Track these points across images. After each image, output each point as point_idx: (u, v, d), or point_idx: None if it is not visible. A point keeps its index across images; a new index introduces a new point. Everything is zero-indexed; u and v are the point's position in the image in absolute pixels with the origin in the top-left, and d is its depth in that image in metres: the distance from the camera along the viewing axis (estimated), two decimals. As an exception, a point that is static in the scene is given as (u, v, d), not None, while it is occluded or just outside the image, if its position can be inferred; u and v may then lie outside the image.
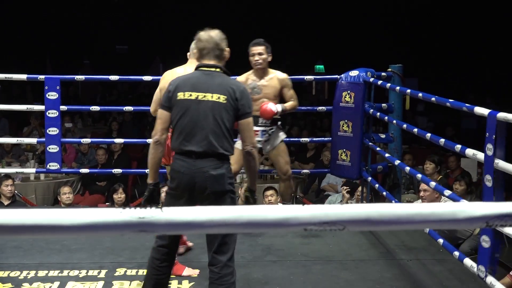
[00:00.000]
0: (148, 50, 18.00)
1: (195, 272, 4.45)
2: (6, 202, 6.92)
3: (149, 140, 6.71)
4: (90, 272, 4.43)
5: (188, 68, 4.27)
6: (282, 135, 5.46)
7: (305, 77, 6.62)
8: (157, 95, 4.49)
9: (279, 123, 5.46)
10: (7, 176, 7.00)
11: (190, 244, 4.88)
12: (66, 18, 17.46)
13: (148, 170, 3.59)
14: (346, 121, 6.09)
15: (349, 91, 6.06)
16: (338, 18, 17.85)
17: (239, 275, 4.44)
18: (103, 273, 4.45)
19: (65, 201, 7.11)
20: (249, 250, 4.99)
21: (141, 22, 17.46)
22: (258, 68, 5.27)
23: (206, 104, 3.37)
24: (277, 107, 5.21)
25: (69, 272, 4.44)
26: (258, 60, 5.24)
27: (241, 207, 1.28)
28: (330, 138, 6.43)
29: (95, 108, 6.87)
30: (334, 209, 1.25)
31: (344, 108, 6.09)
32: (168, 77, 4.20)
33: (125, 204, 7.29)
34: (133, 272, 4.47)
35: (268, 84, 5.31)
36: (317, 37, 18.29)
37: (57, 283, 4.24)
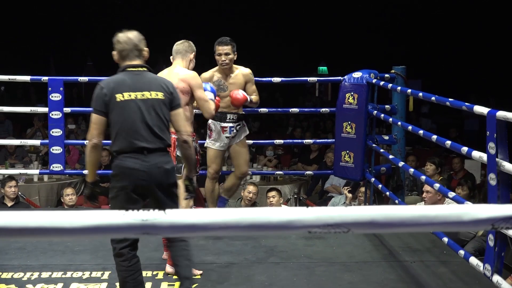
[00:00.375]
0: (151, 51, 17.97)
1: (197, 272, 4.45)
2: (9, 204, 6.93)
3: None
4: (94, 274, 4.42)
5: (172, 68, 4.46)
6: (246, 131, 5.53)
7: (308, 78, 6.61)
8: None
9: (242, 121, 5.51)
10: (11, 177, 7.01)
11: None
12: (69, 19, 17.49)
13: (87, 171, 3.71)
14: (349, 122, 6.08)
15: (352, 93, 6.05)
16: (341, 19, 17.85)
17: (242, 276, 4.44)
18: (106, 274, 4.45)
19: (68, 203, 7.11)
20: (252, 251, 4.99)
21: (144, 23, 17.48)
22: (225, 68, 5.27)
23: (147, 102, 3.54)
24: (247, 95, 5.24)
25: (72, 273, 4.44)
26: (225, 60, 5.26)
27: (245, 209, 1.28)
28: (334, 140, 6.42)
29: (99, 109, 6.85)
30: (339, 212, 1.24)
31: (347, 109, 6.08)
32: None
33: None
34: (136, 273, 4.46)
35: (234, 82, 5.36)
36: (320, 39, 18.28)
37: (60, 285, 4.23)
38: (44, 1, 17.19)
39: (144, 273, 4.44)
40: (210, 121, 5.35)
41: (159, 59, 5.68)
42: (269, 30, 18.31)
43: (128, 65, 3.62)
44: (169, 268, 4.44)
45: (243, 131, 5.49)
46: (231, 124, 5.33)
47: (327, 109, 6.65)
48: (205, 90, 4.61)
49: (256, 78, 6.34)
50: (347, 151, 6.13)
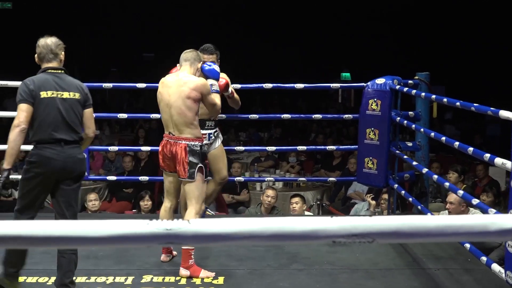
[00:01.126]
0: (175, 58, 18.06)
1: (211, 275, 4.52)
2: None
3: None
4: (117, 279, 4.45)
5: (180, 74, 4.62)
6: (221, 137, 5.60)
7: (331, 85, 6.60)
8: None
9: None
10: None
11: (174, 252, 4.92)
12: (93, 26, 17.63)
13: (8, 156, 3.97)
14: (372, 129, 6.06)
15: (375, 99, 6.03)
16: (364, 25, 17.81)
17: (265, 283, 4.44)
18: (130, 279, 4.47)
19: (91, 208, 7.15)
20: (275, 258, 4.98)
21: (167, 30, 17.57)
22: None
23: (66, 101, 4.04)
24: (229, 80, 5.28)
25: (96, 278, 4.47)
26: None
27: (270, 218, 1.28)
28: (357, 146, 6.40)
29: (123, 115, 6.88)
30: (363, 221, 1.24)
31: (370, 116, 6.06)
32: (159, 84, 4.72)
33: (152, 211, 7.32)
34: (160, 279, 4.48)
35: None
36: (343, 45, 18.25)
37: (84, 290, 4.26)
38: (67, 9, 17.36)
39: (167, 279, 4.47)
40: None
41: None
42: (292, 37, 18.32)
43: (49, 67, 4.09)
44: (183, 271, 4.51)
45: (218, 137, 5.54)
46: (209, 131, 5.35)
47: (350, 115, 6.63)
48: (210, 71, 4.79)
49: (279, 85, 6.36)
50: (370, 158, 6.11)
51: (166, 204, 4.81)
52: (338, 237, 1.23)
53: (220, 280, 4.49)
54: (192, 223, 1.25)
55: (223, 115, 6.52)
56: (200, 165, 4.52)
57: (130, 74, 15.83)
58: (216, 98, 4.72)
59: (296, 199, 6.89)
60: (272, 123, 13.91)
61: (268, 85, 6.27)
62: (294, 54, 18.37)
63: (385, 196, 6.71)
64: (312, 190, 8.97)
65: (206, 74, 4.82)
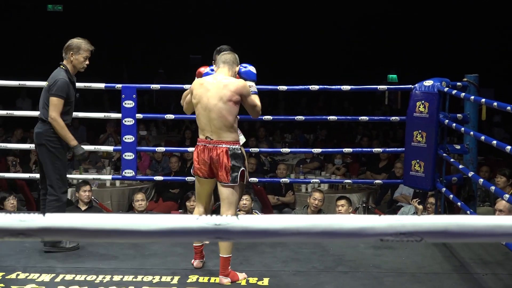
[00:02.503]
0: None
1: (245, 276, 4.53)
2: (83, 207, 7.10)
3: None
4: (164, 278, 4.49)
5: (218, 76, 4.53)
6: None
7: (378, 86, 6.56)
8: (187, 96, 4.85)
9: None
10: (85, 182, 7.19)
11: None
12: (141, 29, 17.84)
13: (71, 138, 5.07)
14: (420, 131, 6.00)
15: (423, 101, 5.97)
16: (412, 27, 17.63)
17: (310, 285, 4.43)
18: (175, 279, 4.51)
19: (138, 208, 7.24)
20: (320, 260, 4.97)
21: (214, 32, 17.67)
22: None
23: (44, 89, 5.16)
24: None
25: (143, 277, 4.52)
26: None
27: (318, 216, 1.28)
28: (403, 149, 6.35)
29: (170, 116, 6.94)
30: (412, 220, 1.23)
31: (418, 118, 6.01)
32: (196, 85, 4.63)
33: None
34: (205, 279, 4.51)
35: None
36: (391, 47, 18.10)
37: (131, 288, 4.32)
38: (116, 11, 17.60)
39: (212, 279, 4.50)
40: None
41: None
42: (339, 38, 18.26)
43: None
44: (224, 280, 4.45)
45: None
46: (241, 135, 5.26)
47: (397, 117, 6.58)
48: (247, 73, 4.68)
49: (326, 86, 6.35)
50: (417, 160, 6.05)
51: (200, 209, 4.70)
52: (386, 236, 1.23)
53: (265, 281, 4.49)
54: (241, 218, 1.26)
55: (270, 117, 6.55)
56: (242, 168, 4.45)
57: (177, 75, 15.98)
58: (256, 99, 4.58)
59: (342, 202, 6.87)
60: (318, 125, 13.87)
61: (315, 87, 6.27)
62: (341, 56, 18.30)
63: (432, 199, 6.64)
64: (357, 193, 8.92)
65: (243, 76, 4.68)
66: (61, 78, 5.04)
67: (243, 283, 4.46)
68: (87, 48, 5.12)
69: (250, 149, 7.43)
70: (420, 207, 7.08)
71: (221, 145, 4.42)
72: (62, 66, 5.12)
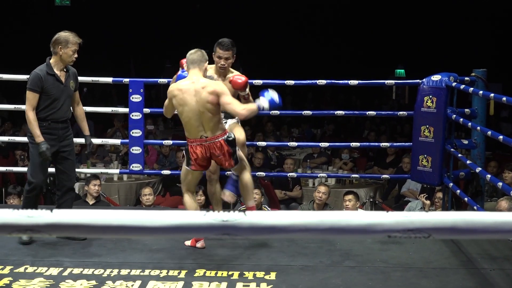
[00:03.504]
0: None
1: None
2: (91, 202, 7.12)
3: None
4: (171, 272, 4.50)
5: (193, 77, 4.74)
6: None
7: (386, 81, 6.55)
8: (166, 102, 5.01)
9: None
10: (96, 176, 7.21)
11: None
12: (148, 23, 17.84)
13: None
14: (427, 126, 5.99)
15: (431, 96, 5.96)
16: (419, 21, 17.58)
17: (317, 279, 4.44)
18: (183, 273, 4.51)
19: (146, 203, 7.25)
20: (327, 254, 4.97)
21: (221, 27, 17.67)
22: (221, 71, 5.17)
23: None
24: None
25: (150, 271, 4.52)
26: (224, 64, 5.12)
27: (325, 212, 1.28)
28: (411, 143, 6.34)
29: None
30: (420, 216, 1.23)
31: (425, 113, 6.00)
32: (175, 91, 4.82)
33: (205, 206, 7.38)
34: (212, 273, 4.51)
35: (225, 84, 5.08)
36: (398, 41, 18.05)
37: (138, 282, 4.33)
38: (123, 5, 17.61)
39: (219, 273, 4.51)
40: None
41: (237, 62, 5.69)
42: (346, 32, 18.21)
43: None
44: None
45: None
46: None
47: (404, 112, 6.56)
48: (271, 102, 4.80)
49: (333, 81, 6.34)
50: (425, 155, 6.04)
51: (189, 194, 5.06)
52: (393, 232, 1.23)
53: (272, 275, 4.50)
54: (248, 215, 1.26)
55: (277, 111, 6.54)
56: (236, 148, 4.82)
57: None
58: (235, 103, 4.74)
59: (350, 196, 6.87)
60: (325, 120, 13.86)
61: (322, 82, 6.26)
62: (348, 50, 18.26)
63: (440, 194, 6.63)
64: (365, 188, 8.92)
65: (266, 104, 4.78)
66: (34, 72, 4.98)
67: (250, 276, 4.45)
68: (75, 41, 5.02)
69: (257, 144, 7.42)
70: (428, 202, 7.07)
71: (217, 139, 4.73)
72: (46, 61, 5.04)
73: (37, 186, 5.12)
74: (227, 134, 4.78)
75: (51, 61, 5.01)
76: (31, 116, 4.92)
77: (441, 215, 1.26)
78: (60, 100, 5.01)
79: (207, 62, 4.81)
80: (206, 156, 4.78)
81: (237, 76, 5.02)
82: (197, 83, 4.68)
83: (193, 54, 4.76)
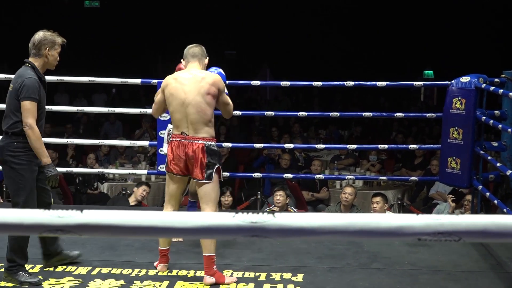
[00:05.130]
0: (256, 56, 18.21)
1: (234, 280, 4.37)
2: (132, 203, 7.25)
3: (257, 145, 6.81)
4: (198, 273, 4.51)
5: (192, 70, 4.42)
6: None
7: (414, 83, 6.51)
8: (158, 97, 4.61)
9: None
10: (148, 184, 7.41)
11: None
12: (177, 23, 17.92)
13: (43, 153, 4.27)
14: (456, 128, 5.94)
15: (460, 98, 5.91)
16: (449, 22, 17.44)
17: (345, 281, 4.42)
18: (210, 274, 4.52)
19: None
20: (354, 256, 4.95)
21: (249, 28, 17.69)
22: None
23: (9, 93, 4.31)
24: None
25: (177, 272, 4.55)
26: None
27: (354, 214, 1.28)
28: (439, 145, 6.29)
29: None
30: (450, 220, 1.22)
31: (454, 114, 5.95)
32: (169, 81, 4.46)
33: (232, 207, 7.39)
34: (239, 274, 4.52)
35: None
36: (426, 43, 17.93)
37: (166, 282, 4.35)
38: (151, 6, 17.72)
39: (246, 274, 4.51)
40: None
41: (264, 64, 5.70)
42: (375, 34, 18.14)
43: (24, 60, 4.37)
44: (208, 279, 4.31)
45: None
46: None
47: (433, 114, 6.51)
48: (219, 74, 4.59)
49: (361, 82, 6.31)
50: (454, 157, 5.99)
51: (169, 207, 4.54)
52: (423, 235, 1.22)
53: (300, 277, 4.49)
54: (277, 216, 1.26)
55: (304, 113, 6.54)
56: (217, 165, 4.33)
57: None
58: (229, 99, 4.52)
59: (378, 198, 6.84)
60: (353, 121, 13.81)
61: (350, 83, 6.24)
62: (376, 52, 18.18)
63: (469, 197, 6.57)
64: (392, 189, 8.86)
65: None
66: (30, 78, 4.24)
67: (277, 278, 4.45)
68: (60, 42, 4.43)
69: (285, 145, 7.42)
70: (453, 204, 7.03)
71: (197, 141, 4.29)
72: (27, 64, 4.32)
73: None
74: (212, 142, 4.32)
75: (37, 64, 4.33)
76: (37, 131, 4.23)
77: (471, 218, 1.25)
78: (44, 110, 4.41)
79: (207, 58, 4.54)
80: (182, 156, 4.30)
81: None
82: (197, 74, 4.35)
83: (194, 47, 4.48)
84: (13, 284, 4.27)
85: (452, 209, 7.06)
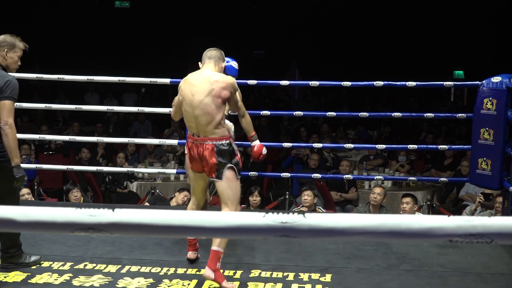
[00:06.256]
0: (285, 56, 18.21)
1: (232, 286, 4.31)
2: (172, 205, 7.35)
3: (285, 144, 6.80)
4: (226, 272, 4.53)
5: (203, 71, 4.38)
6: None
7: (445, 83, 6.45)
8: (175, 99, 4.63)
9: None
10: (189, 191, 7.46)
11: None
12: (206, 23, 17.99)
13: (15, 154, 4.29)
14: (487, 128, 5.88)
15: (491, 98, 5.85)
16: (479, 22, 17.27)
17: (373, 282, 4.40)
18: (238, 273, 4.54)
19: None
20: (383, 257, 4.93)
21: (278, 27, 17.68)
22: None
23: None
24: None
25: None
26: None
27: (385, 215, 1.27)
28: (469, 146, 6.23)
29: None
30: (482, 221, 1.21)
31: (485, 115, 5.89)
32: (181, 82, 4.46)
33: (260, 206, 7.40)
34: (267, 274, 4.53)
35: None
36: (457, 42, 17.77)
37: (195, 281, 4.37)
38: (181, 6, 17.80)
39: (275, 274, 4.52)
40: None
41: (293, 63, 5.69)
42: (404, 33, 18.02)
43: None
44: (208, 272, 4.24)
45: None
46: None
47: (463, 114, 6.45)
48: (228, 68, 4.64)
49: (390, 82, 6.28)
50: (484, 158, 5.94)
51: (192, 204, 4.65)
52: (455, 237, 1.21)
53: (328, 277, 4.49)
54: (308, 217, 1.26)
55: (333, 113, 6.52)
56: (229, 165, 4.29)
57: (241, 71, 16.07)
58: (241, 103, 4.51)
59: (408, 199, 6.80)
60: (382, 121, 13.73)
61: (379, 83, 6.20)
62: (405, 52, 18.06)
63: (500, 199, 6.50)
64: (422, 190, 8.80)
65: (224, 70, 4.59)
66: (14, 78, 4.35)
67: (305, 278, 4.45)
68: (21, 46, 4.46)
69: (313, 145, 7.40)
70: (478, 204, 7.01)
71: (207, 142, 4.28)
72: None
73: None
74: (222, 141, 4.29)
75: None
76: (15, 131, 4.30)
77: (504, 220, 1.24)
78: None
79: (225, 63, 4.54)
80: (196, 156, 4.34)
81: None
82: (208, 75, 4.29)
83: (212, 50, 4.45)
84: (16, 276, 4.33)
85: (475, 207, 7.04)
